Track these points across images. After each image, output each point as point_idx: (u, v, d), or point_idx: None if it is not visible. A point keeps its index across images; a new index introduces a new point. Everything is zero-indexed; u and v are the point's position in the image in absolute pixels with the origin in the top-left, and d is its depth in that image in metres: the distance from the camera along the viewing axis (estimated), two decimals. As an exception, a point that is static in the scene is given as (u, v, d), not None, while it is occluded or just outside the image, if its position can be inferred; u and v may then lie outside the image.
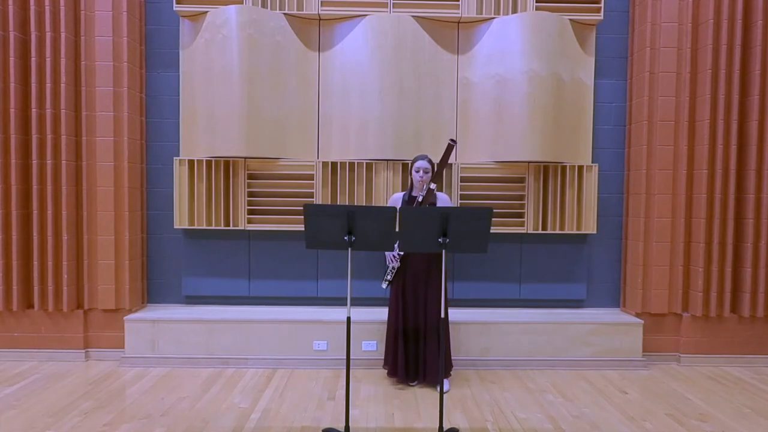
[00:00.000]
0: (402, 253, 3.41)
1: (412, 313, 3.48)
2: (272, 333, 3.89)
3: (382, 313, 3.95)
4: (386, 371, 3.60)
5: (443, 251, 2.69)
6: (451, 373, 3.63)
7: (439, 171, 3.38)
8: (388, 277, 3.46)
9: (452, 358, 3.74)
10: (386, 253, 3.47)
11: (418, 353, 3.50)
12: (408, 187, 3.60)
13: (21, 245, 3.87)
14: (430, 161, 3.45)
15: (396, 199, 3.60)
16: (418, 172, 3.42)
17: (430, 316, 3.42)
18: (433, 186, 3.37)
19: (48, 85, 3.79)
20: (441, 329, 2.83)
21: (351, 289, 2.72)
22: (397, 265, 3.43)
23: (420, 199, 3.35)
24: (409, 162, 3.98)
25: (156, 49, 4.17)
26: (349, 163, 4.02)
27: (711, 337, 4.03)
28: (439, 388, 2.78)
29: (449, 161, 3.72)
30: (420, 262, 3.43)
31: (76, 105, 3.90)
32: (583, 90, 4.15)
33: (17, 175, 3.81)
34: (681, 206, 3.99)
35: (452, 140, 3.33)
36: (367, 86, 3.97)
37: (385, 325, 3.60)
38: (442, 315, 2.82)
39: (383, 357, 3.64)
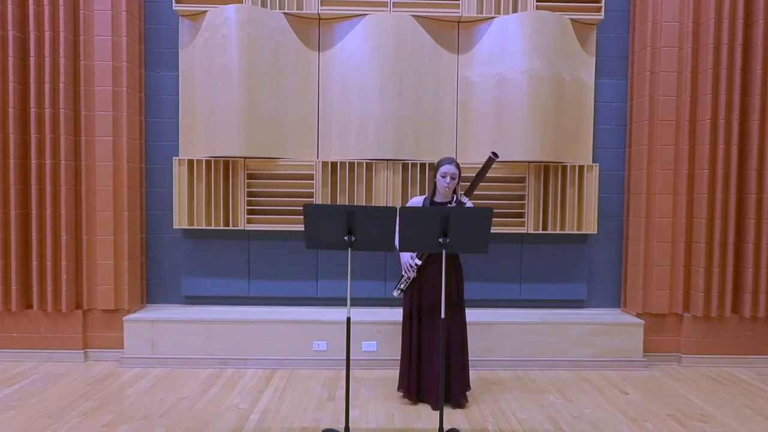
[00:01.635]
0: (420, 263, 3.14)
1: (429, 327, 3.17)
2: (272, 333, 3.87)
3: (382, 314, 3.95)
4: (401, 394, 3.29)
5: (445, 252, 2.66)
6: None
7: (475, 185, 3.09)
8: (402, 286, 3.21)
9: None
10: (402, 261, 3.21)
11: (439, 372, 3.09)
12: (430, 191, 3.29)
13: (20, 245, 3.86)
14: (458, 166, 3.16)
15: (416, 203, 3.32)
16: (444, 177, 3.11)
17: (451, 329, 3.11)
18: (465, 200, 3.07)
19: (47, 85, 3.78)
20: (441, 329, 2.78)
21: (351, 290, 2.71)
22: (413, 275, 3.17)
23: None
24: (409, 162, 4.00)
25: (155, 48, 4.16)
26: (349, 163, 4.01)
27: (712, 338, 4.02)
28: (439, 388, 2.75)
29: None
30: (439, 271, 2.99)
31: (75, 105, 3.89)
32: (584, 90, 4.14)
33: (16, 174, 3.81)
34: (682, 206, 3.97)
35: (494, 153, 3.05)
36: (367, 86, 3.95)
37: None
38: (443, 316, 2.78)
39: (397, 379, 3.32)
